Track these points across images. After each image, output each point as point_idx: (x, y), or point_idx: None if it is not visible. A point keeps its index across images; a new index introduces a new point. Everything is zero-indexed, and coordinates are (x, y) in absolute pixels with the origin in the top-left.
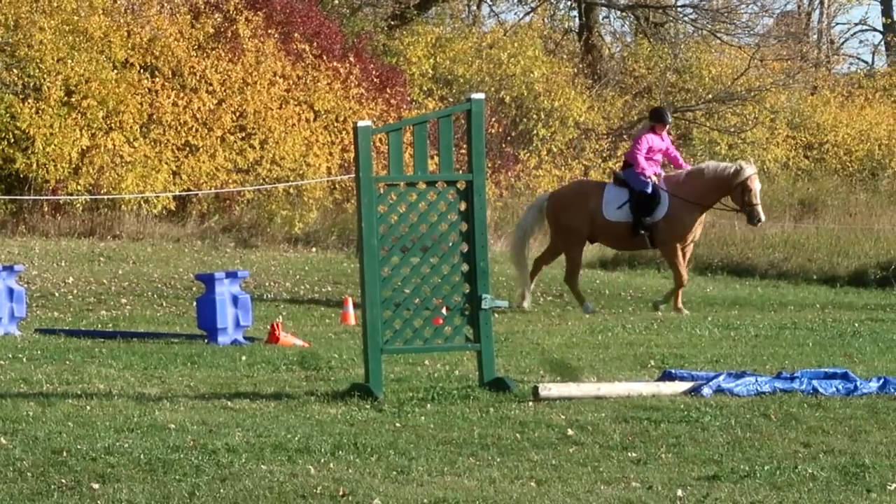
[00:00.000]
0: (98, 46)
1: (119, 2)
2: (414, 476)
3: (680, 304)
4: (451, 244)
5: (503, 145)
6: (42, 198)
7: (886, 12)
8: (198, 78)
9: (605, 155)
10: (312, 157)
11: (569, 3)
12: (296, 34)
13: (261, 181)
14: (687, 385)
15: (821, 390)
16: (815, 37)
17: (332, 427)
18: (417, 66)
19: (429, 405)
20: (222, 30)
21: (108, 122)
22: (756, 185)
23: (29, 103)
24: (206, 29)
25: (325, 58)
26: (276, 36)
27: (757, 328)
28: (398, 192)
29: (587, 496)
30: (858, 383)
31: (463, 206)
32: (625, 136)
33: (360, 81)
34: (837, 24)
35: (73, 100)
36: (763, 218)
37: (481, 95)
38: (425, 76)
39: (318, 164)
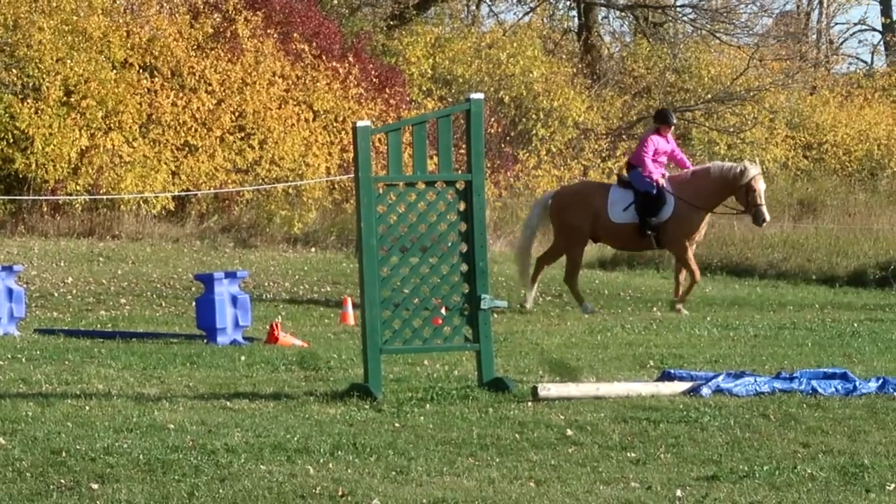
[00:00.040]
0: (97, 46)
1: (118, 2)
2: (413, 476)
3: (679, 305)
4: (450, 244)
5: (502, 145)
6: (41, 198)
7: (885, 12)
8: (197, 78)
9: (604, 155)
10: (311, 157)
11: (568, 2)
12: (295, 34)
13: (260, 181)
14: (686, 385)
15: (820, 390)
16: (815, 37)
17: (332, 427)
18: (416, 66)
19: (428, 405)
20: (221, 30)
21: (108, 122)
22: (761, 186)
23: (28, 103)
24: (206, 29)
25: (324, 58)
26: (275, 36)
27: (756, 328)
28: (397, 193)
29: (586, 496)
30: (857, 383)
31: (462, 206)
32: (624, 136)
33: (359, 81)
34: (836, 23)
35: (72, 100)
36: (768, 218)
37: (480, 95)
38: (424, 76)
39: (317, 164)
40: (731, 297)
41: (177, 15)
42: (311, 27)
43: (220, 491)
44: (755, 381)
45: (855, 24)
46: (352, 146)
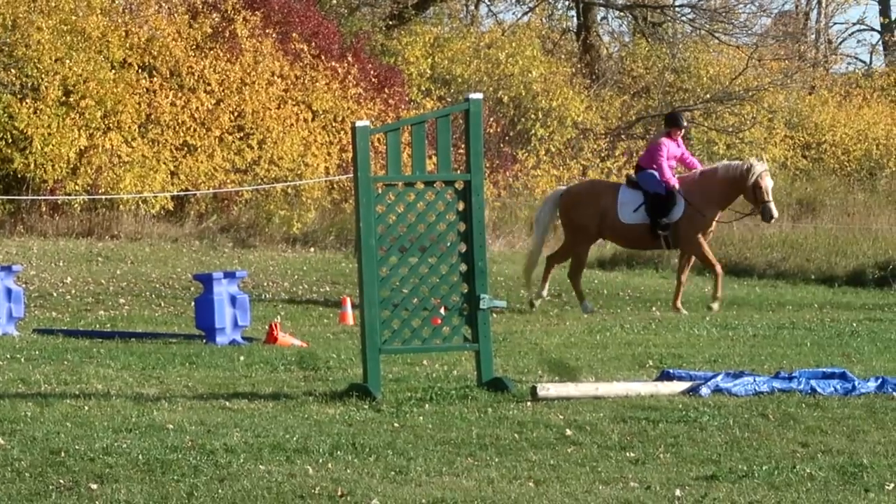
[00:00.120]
0: (96, 46)
1: (117, 2)
2: (412, 476)
3: (679, 304)
4: (449, 244)
5: (501, 145)
6: (40, 198)
7: (884, 12)
8: (196, 78)
9: (603, 155)
10: (311, 156)
11: (567, 2)
12: (294, 34)
13: (259, 181)
14: (685, 385)
15: (819, 390)
16: (813, 36)
17: (331, 427)
18: (415, 65)
19: (427, 405)
20: (220, 29)
21: (106, 122)
22: (768, 182)
23: (27, 103)
24: (204, 29)
25: (323, 58)
26: (274, 36)
27: (755, 328)
28: (396, 192)
29: (585, 496)
30: (856, 383)
31: (461, 206)
32: (622, 136)
33: (358, 81)
34: (835, 23)
35: (71, 100)
36: (776, 214)
37: (479, 95)
38: (423, 76)
39: (316, 164)
40: (730, 296)
41: (175, 15)
42: (309, 27)
43: (219, 491)
44: (754, 380)
45: (854, 24)
46: (351, 146)
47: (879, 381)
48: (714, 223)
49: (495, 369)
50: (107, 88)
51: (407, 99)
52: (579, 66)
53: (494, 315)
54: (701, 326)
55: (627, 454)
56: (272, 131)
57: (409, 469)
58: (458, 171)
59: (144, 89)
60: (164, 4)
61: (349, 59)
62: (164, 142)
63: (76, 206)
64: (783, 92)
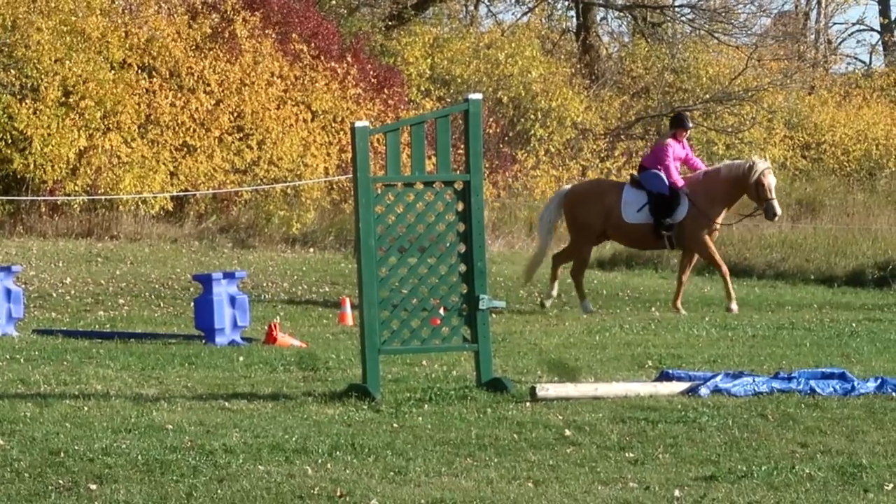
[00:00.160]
0: (96, 47)
1: (117, 2)
2: (411, 476)
3: (678, 305)
4: (448, 244)
5: (501, 145)
6: (39, 198)
7: (884, 12)
8: (195, 78)
9: (602, 155)
10: (310, 157)
11: (566, 3)
12: (293, 34)
13: (258, 181)
14: (684, 385)
15: (818, 390)
16: (813, 37)
17: (330, 427)
18: (415, 66)
19: (426, 406)
20: (220, 30)
21: (106, 122)
22: (771, 180)
23: (26, 104)
24: (204, 29)
25: (322, 58)
26: (273, 36)
27: (754, 328)
28: (396, 193)
29: (584, 496)
30: (856, 383)
31: (460, 207)
32: (622, 137)
33: (357, 82)
34: (835, 23)
35: (70, 100)
36: (779, 212)
37: (479, 96)
38: (423, 76)
39: (315, 164)
40: None
41: (175, 15)
42: (309, 27)
43: (219, 491)
44: (753, 381)
45: (853, 24)
46: (350, 146)
47: (879, 381)
48: (719, 223)
49: (494, 370)
50: (106, 89)
51: (406, 99)
52: (579, 66)
53: (494, 315)
54: (700, 327)
55: (626, 454)
56: (272, 132)
57: (409, 469)
58: (458, 172)
59: (144, 90)
60: (163, 5)
61: (349, 59)
62: (164, 142)
63: (76, 206)
64: (783, 92)
